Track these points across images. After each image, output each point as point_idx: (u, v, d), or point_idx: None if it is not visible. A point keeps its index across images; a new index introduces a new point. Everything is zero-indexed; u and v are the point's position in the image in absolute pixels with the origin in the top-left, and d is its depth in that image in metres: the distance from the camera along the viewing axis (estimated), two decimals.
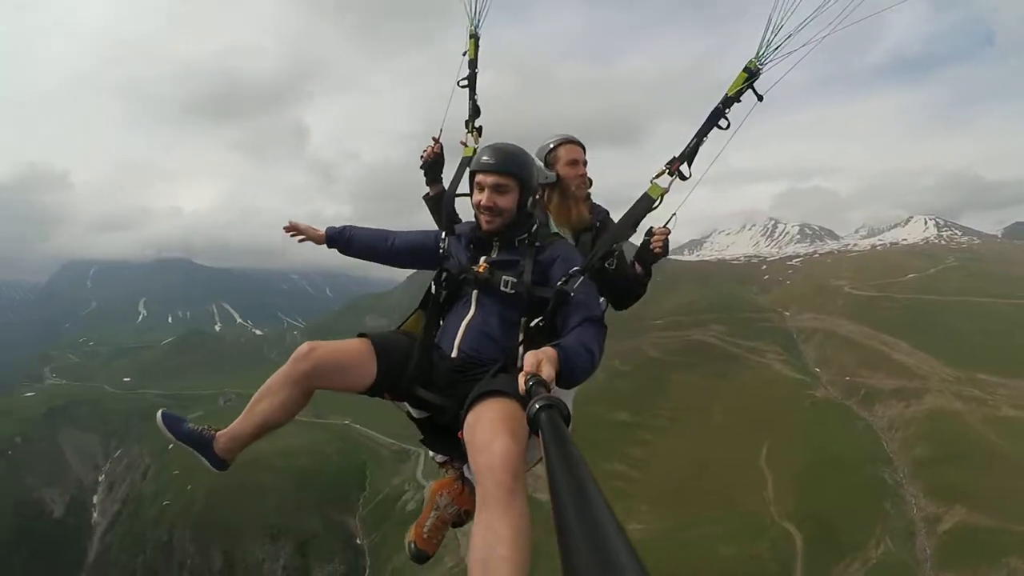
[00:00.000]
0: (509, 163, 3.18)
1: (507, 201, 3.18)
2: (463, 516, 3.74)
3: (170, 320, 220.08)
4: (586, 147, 4.07)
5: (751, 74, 3.10)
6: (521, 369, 2.34)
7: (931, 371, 69.59)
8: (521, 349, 3.06)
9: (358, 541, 59.56)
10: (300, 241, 3.91)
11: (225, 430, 3.21)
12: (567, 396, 3.31)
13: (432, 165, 4.33)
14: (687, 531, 45.83)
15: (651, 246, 3.63)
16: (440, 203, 4.08)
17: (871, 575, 43.95)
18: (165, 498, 65.88)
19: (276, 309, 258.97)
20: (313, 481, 65.45)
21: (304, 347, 3.03)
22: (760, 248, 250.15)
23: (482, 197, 3.19)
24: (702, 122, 3.26)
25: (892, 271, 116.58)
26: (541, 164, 3.85)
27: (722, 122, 3.18)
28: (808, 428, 61.93)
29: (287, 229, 3.90)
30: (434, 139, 4.32)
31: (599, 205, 4.08)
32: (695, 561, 40.99)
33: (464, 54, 4.24)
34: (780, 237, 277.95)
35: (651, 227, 3.64)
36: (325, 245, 3.88)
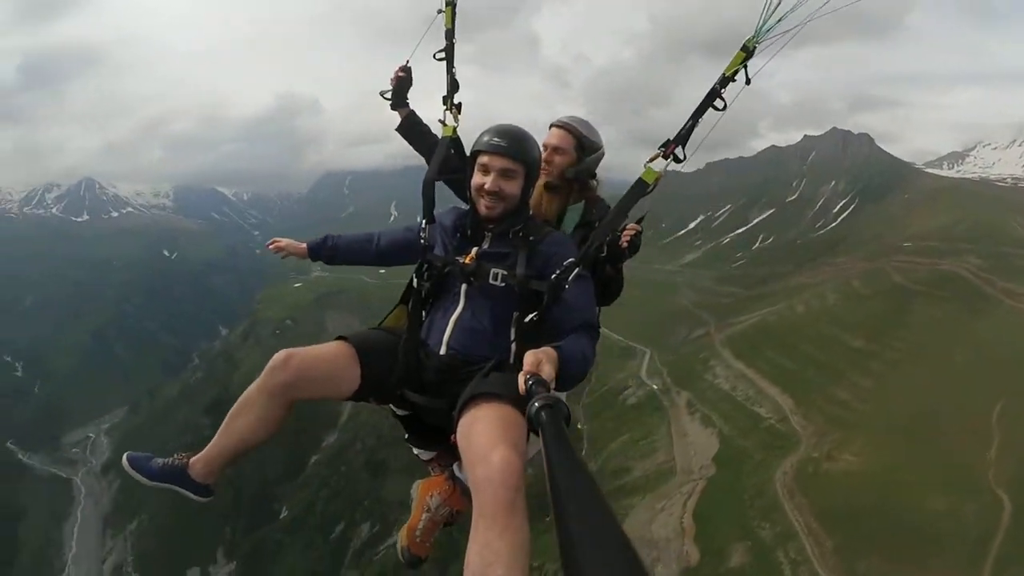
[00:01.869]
0: (520, 148, 3.06)
1: (513, 187, 3.06)
2: (455, 516, 3.67)
3: (417, 220, 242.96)
4: (571, 128, 3.81)
5: (748, 53, 3.06)
6: (515, 367, 2.42)
7: None
8: (514, 346, 3.00)
9: (579, 426, 61.53)
10: (283, 257, 3.86)
11: (199, 455, 3.08)
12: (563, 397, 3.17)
13: (403, 84, 4.11)
14: (898, 474, 43.91)
15: (619, 242, 3.52)
16: (415, 126, 4.07)
17: None
18: None
19: None
20: None
21: (280, 356, 2.89)
22: None
23: (487, 180, 3.04)
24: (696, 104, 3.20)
25: None
26: None
27: (718, 102, 3.13)
28: None
29: (269, 247, 3.88)
30: (402, 67, 4.10)
31: (602, 200, 3.86)
32: (899, 507, 39.56)
33: (439, 12, 3.91)
34: None
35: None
36: (309, 259, 3.78)
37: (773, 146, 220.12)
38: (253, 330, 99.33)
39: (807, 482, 41.88)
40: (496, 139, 3.03)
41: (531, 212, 3.42)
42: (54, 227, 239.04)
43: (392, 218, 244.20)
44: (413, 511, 3.75)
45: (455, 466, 3.62)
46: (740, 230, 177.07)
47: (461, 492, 3.55)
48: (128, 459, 3.09)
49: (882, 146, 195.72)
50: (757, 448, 48.95)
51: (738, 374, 62.32)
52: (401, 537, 3.72)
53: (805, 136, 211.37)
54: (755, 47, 3.03)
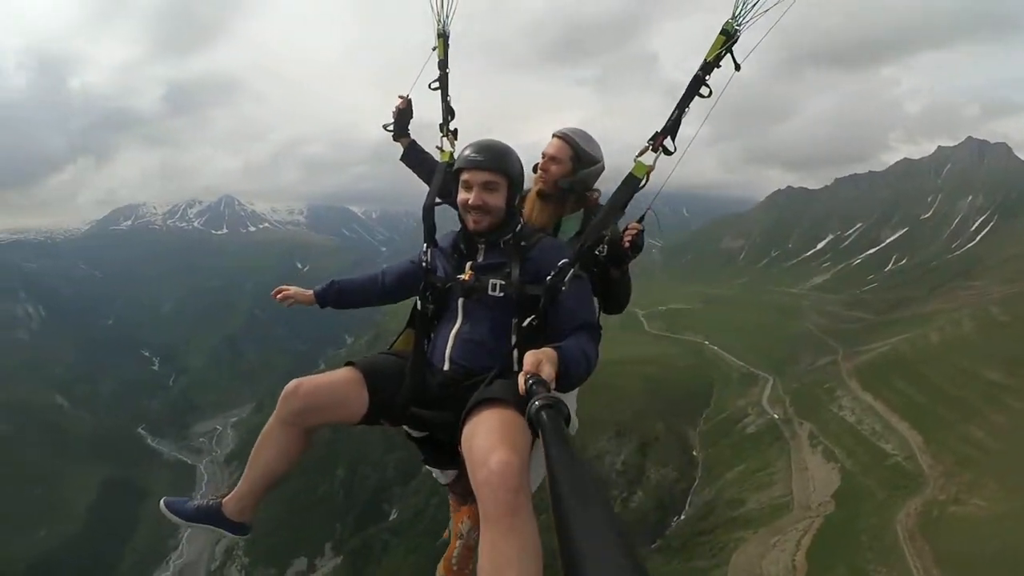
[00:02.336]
0: (498, 159, 3.08)
1: (497, 199, 3.08)
2: None
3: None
4: (569, 139, 3.72)
5: (728, 36, 2.98)
6: (517, 373, 2.36)
7: None
8: (516, 353, 2.98)
9: (694, 453, 60.98)
10: (290, 305, 3.86)
11: (231, 494, 3.17)
12: (569, 398, 3.29)
13: (404, 115, 4.24)
14: None
15: (621, 241, 3.46)
16: (416, 154, 4.18)
17: None
18: None
19: None
20: (661, 389, 68.29)
21: (290, 385, 2.94)
22: None
23: (470, 196, 3.08)
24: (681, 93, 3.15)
25: None
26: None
27: (703, 90, 3.08)
28: None
29: (276, 296, 3.85)
30: (401, 96, 4.24)
31: (603, 207, 3.56)
32: None
33: (434, 49, 4.04)
34: None
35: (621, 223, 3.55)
36: (318, 306, 3.80)
37: (906, 159, 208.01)
38: (378, 340, 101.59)
39: (931, 526, 38.14)
40: (474, 154, 3.07)
41: (523, 220, 3.43)
42: (195, 239, 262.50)
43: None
44: (450, 541, 3.72)
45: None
46: (871, 251, 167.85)
47: None
48: (165, 503, 3.19)
49: (1021, 156, 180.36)
50: (880, 486, 45.31)
51: (865, 406, 57.92)
52: (439, 570, 3.69)
53: (939, 147, 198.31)
54: (736, 30, 2.94)
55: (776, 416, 61.09)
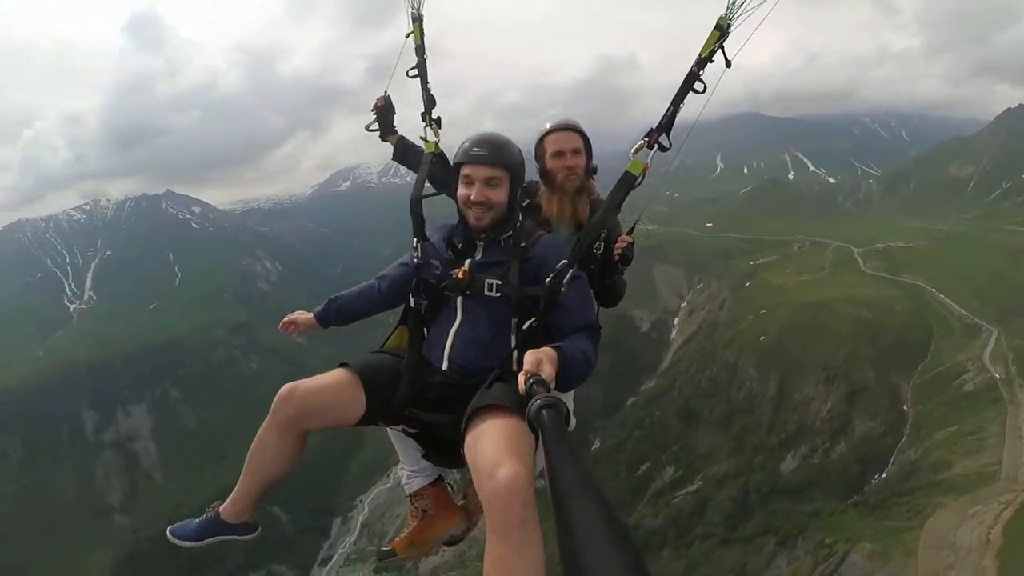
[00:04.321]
0: (501, 154, 3.06)
1: (499, 195, 3.06)
2: (458, 536, 3.58)
3: (745, 171, 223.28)
4: (580, 129, 3.83)
5: (722, 32, 2.98)
6: (517, 374, 2.35)
7: None
8: (516, 354, 2.95)
9: (904, 407, 56.55)
10: (300, 334, 3.87)
11: (226, 502, 3.19)
12: (566, 397, 3.20)
13: (385, 113, 4.21)
14: None
15: (612, 253, 3.51)
16: (409, 152, 4.09)
17: None
18: (739, 326, 73.76)
19: (849, 156, 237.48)
20: (875, 335, 64.08)
21: (284, 390, 2.89)
22: None
23: (472, 192, 3.05)
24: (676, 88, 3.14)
25: None
26: (534, 154, 3.84)
27: (697, 85, 3.08)
28: None
29: (283, 328, 3.86)
30: (381, 97, 4.23)
31: (603, 200, 3.65)
32: None
33: (408, 35, 4.00)
34: None
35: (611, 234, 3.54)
36: (322, 328, 3.80)
37: None
38: None
39: None
40: (476, 149, 3.06)
41: (561, 217, 3.71)
42: (407, 192, 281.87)
43: (718, 170, 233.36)
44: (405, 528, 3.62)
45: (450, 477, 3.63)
46: None
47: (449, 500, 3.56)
48: (170, 532, 3.26)
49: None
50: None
51: None
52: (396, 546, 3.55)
53: None
54: (729, 25, 2.97)
55: (997, 375, 54.45)
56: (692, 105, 3.17)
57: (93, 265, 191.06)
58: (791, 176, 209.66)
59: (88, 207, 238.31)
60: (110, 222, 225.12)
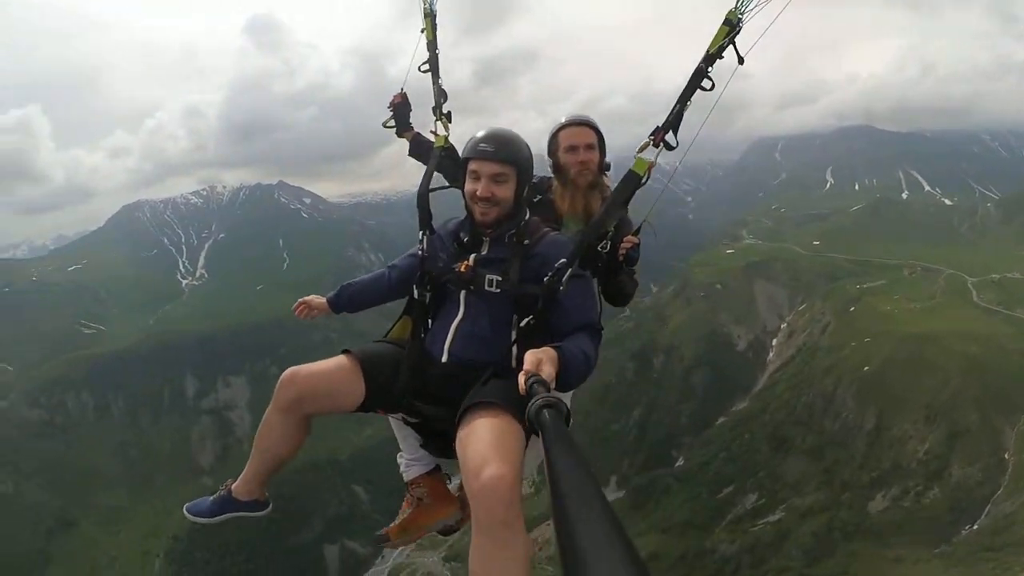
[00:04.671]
0: (508, 151, 3.06)
1: (505, 191, 3.06)
2: (452, 526, 3.65)
3: (856, 187, 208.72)
4: (594, 124, 3.85)
5: (732, 27, 2.92)
6: (515, 371, 2.36)
7: None
8: (515, 349, 2.98)
9: (1006, 455, 51.99)
10: (312, 318, 4.00)
11: (237, 481, 3.32)
12: (566, 398, 3.18)
13: (401, 110, 4.31)
14: None
15: (617, 253, 3.49)
16: (424, 149, 4.11)
17: None
18: (840, 352, 70.13)
19: (966, 176, 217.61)
20: (983, 374, 59.04)
21: (286, 374, 2.97)
22: None
23: (478, 187, 3.05)
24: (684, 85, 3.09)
25: None
26: (547, 148, 3.86)
27: (706, 83, 3.02)
28: None
29: (297, 312, 3.97)
30: (397, 94, 4.33)
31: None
32: None
33: (422, 31, 4.04)
34: None
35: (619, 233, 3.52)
36: (334, 313, 3.92)
37: None
38: (683, 291, 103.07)
39: None
40: (483, 144, 3.05)
41: (573, 212, 3.76)
42: None
43: (828, 185, 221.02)
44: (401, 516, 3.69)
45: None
46: None
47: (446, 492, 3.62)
48: (187, 509, 3.40)
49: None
50: None
51: None
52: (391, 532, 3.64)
53: None
54: (739, 20, 2.90)
55: None
56: (701, 102, 3.11)
57: (207, 246, 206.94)
58: (904, 195, 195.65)
59: (205, 192, 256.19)
60: (225, 207, 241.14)
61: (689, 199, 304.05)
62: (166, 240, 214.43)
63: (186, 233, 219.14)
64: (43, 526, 78.94)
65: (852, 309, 79.91)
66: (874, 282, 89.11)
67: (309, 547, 76.71)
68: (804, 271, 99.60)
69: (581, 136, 3.78)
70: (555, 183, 3.87)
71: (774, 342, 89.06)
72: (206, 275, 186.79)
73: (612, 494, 73.70)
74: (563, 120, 3.87)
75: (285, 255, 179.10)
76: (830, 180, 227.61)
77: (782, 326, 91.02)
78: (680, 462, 74.40)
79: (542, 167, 3.77)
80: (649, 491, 69.93)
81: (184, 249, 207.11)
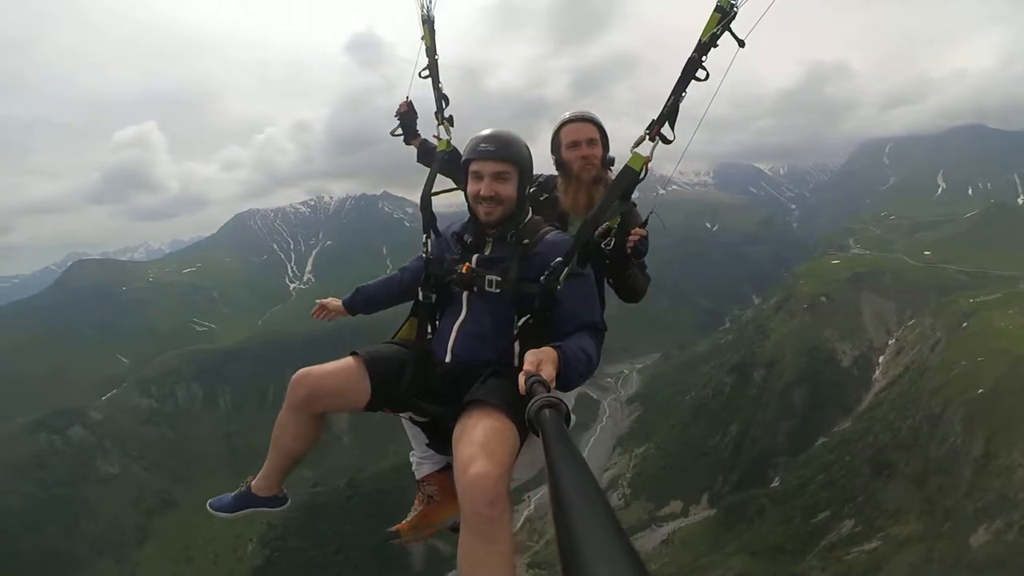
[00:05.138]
0: (509, 150, 3.11)
1: (508, 189, 3.11)
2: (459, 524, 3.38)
3: (970, 192, 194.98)
4: (596, 120, 3.86)
5: (724, 14, 2.84)
6: (516, 370, 2.40)
7: None
8: (517, 347, 3.02)
9: None
10: (331, 319, 4.20)
11: (257, 477, 3.44)
12: (567, 397, 3.17)
13: (408, 118, 4.36)
14: None
15: (624, 247, 3.45)
16: (430, 155, 4.13)
17: None
18: (950, 372, 66.35)
19: None
20: None
21: (298, 374, 3.06)
22: None
23: (481, 186, 3.10)
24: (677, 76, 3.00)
25: None
26: (551, 145, 3.90)
27: (700, 73, 2.95)
28: None
29: (315, 314, 4.18)
30: (404, 103, 4.38)
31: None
32: None
33: (421, 38, 4.03)
34: None
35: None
36: (350, 315, 4.08)
37: None
38: (786, 303, 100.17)
39: None
40: (484, 144, 3.11)
41: (577, 208, 3.76)
42: None
43: (939, 190, 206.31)
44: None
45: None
46: None
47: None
48: (209, 505, 3.56)
49: None
50: None
51: None
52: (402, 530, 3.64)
53: None
54: (732, 5, 2.83)
55: None
56: (694, 93, 3.03)
57: (314, 252, 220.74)
58: (1021, 200, 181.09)
59: (312, 202, 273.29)
60: (331, 216, 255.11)
61: (793, 207, 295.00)
62: (275, 246, 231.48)
63: (295, 240, 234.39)
64: (144, 505, 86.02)
65: (964, 325, 75.20)
66: (989, 296, 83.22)
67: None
68: (914, 283, 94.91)
69: (583, 132, 3.84)
70: (559, 180, 3.92)
71: (880, 359, 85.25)
72: (313, 280, 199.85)
73: (703, 512, 73.73)
74: (566, 116, 3.93)
75: (388, 262, 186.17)
76: (941, 184, 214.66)
77: (889, 342, 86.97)
78: (776, 482, 72.54)
79: (550, 167, 3.96)
80: (741, 511, 68.68)
81: (292, 255, 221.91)
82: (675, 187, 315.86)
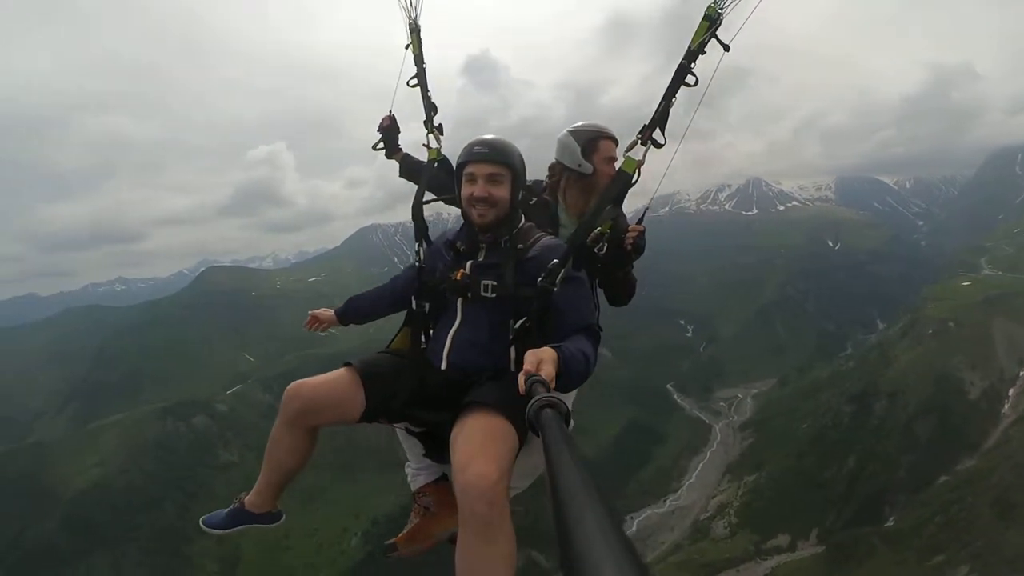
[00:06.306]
0: (503, 152, 3.12)
1: (502, 191, 3.10)
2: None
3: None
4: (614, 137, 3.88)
5: (712, 22, 2.93)
6: (514, 374, 2.42)
7: None
8: (513, 352, 3.02)
9: None
10: (323, 330, 4.17)
11: (250, 494, 3.36)
12: (567, 398, 3.15)
13: (390, 132, 4.38)
14: None
15: (623, 244, 3.46)
16: (413, 168, 4.23)
17: None
18: None
19: None
20: None
21: (291, 387, 3.00)
22: None
23: (475, 189, 3.10)
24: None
25: None
26: (577, 148, 3.79)
27: (689, 79, 3.03)
28: None
29: (309, 325, 4.15)
30: (386, 116, 4.38)
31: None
32: None
33: (407, 47, 4.02)
34: None
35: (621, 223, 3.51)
36: (342, 325, 4.08)
37: None
38: (913, 328, 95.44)
39: None
40: (478, 147, 3.12)
41: (580, 211, 3.77)
42: (726, 220, 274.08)
43: None
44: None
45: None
46: None
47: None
48: (202, 521, 3.49)
49: None
50: None
51: None
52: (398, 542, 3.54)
53: None
54: (719, 14, 2.95)
55: None
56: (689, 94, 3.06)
57: None
58: None
59: (431, 218, 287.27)
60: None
61: (921, 223, 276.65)
62: (396, 259, 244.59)
63: (415, 254, 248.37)
64: None
65: None
66: None
67: None
68: None
69: (615, 151, 3.81)
70: (570, 181, 3.89)
71: (1011, 392, 79.99)
72: None
73: (811, 548, 72.04)
74: (600, 128, 3.86)
75: None
76: None
77: (1022, 373, 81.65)
78: (890, 521, 69.88)
79: (539, 171, 3.94)
80: (851, 550, 66.50)
81: None
82: (795, 203, 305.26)
